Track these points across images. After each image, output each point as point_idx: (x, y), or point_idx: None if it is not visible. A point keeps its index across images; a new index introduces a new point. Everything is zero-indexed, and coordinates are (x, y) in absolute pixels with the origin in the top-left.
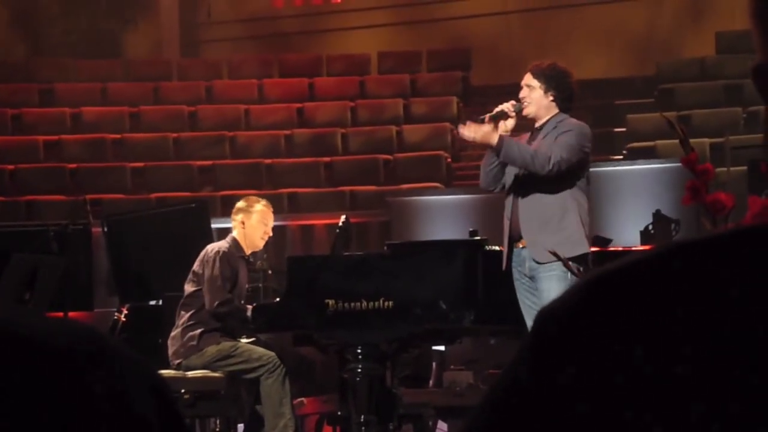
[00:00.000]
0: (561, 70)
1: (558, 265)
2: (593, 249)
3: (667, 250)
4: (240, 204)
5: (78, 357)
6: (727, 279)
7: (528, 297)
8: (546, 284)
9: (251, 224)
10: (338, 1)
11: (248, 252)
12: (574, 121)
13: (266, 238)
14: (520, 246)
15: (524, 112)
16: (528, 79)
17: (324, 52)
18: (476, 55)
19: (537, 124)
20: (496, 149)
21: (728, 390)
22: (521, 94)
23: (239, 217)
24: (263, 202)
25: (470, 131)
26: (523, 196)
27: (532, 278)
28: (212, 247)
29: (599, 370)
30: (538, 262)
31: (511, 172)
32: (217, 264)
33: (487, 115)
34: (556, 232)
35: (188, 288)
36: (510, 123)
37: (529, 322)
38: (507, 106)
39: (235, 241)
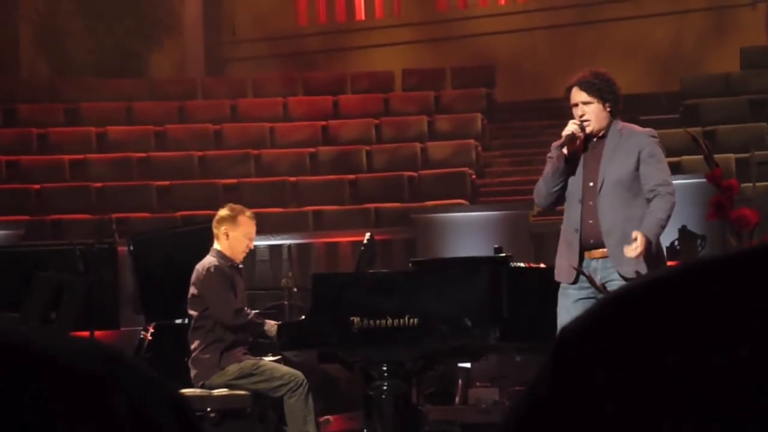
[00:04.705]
0: (607, 78)
1: None
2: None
3: (689, 268)
4: (224, 213)
5: (96, 377)
6: (752, 297)
7: (579, 309)
8: None
9: (235, 236)
10: (362, 18)
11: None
12: (636, 128)
13: (247, 251)
14: (590, 257)
15: (588, 131)
16: (581, 96)
17: (348, 70)
18: (500, 72)
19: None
20: (651, 241)
21: (744, 411)
22: (579, 113)
23: (223, 227)
24: (248, 213)
25: (634, 252)
26: (603, 207)
27: (604, 288)
28: (201, 266)
29: (620, 388)
30: (624, 277)
31: (577, 183)
32: (214, 280)
33: (563, 146)
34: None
35: (192, 313)
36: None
37: None
38: (575, 129)
39: (220, 253)
